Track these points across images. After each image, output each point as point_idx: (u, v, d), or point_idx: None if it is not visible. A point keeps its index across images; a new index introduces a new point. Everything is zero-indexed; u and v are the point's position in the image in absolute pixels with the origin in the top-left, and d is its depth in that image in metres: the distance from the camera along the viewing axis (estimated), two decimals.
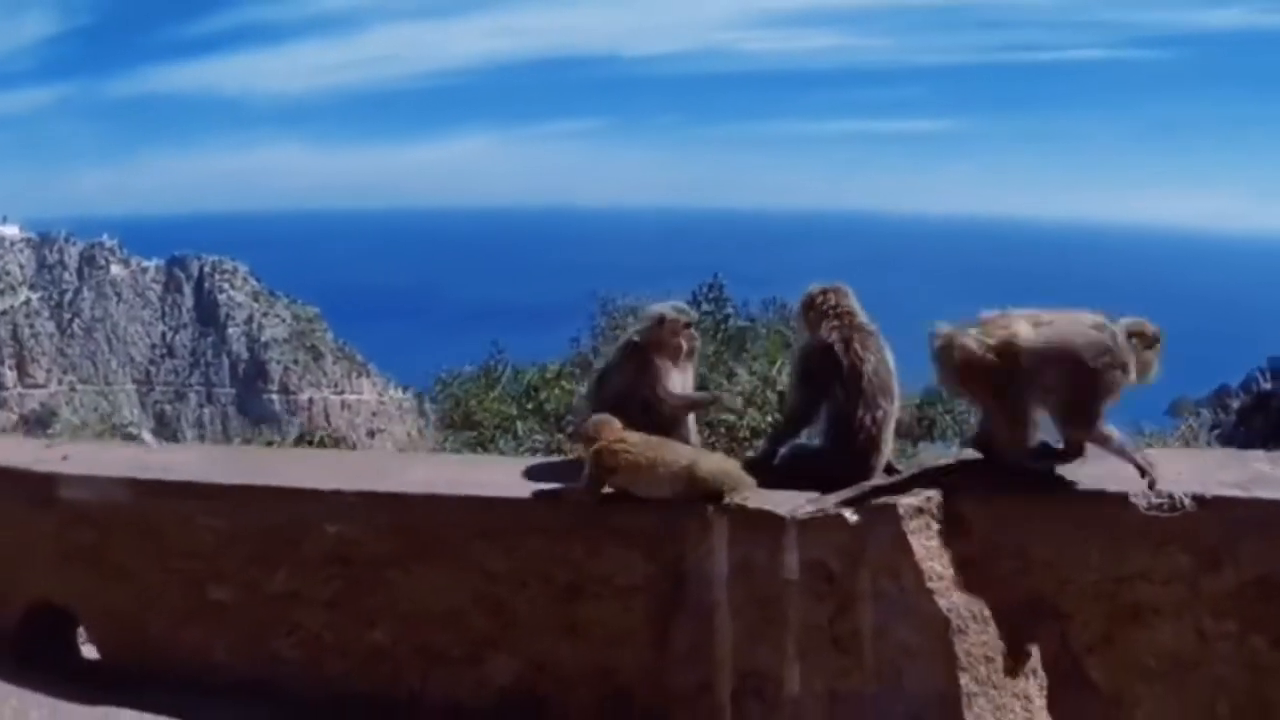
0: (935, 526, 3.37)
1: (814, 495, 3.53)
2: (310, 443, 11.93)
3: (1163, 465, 3.50)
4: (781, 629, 3.51)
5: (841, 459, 3.73)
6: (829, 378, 3.80)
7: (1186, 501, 3.44)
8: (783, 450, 4.01)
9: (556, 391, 7.55)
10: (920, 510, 3.36)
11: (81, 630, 4.98)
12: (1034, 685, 3.38)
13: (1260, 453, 3.92)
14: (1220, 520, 3.44)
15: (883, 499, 3.43)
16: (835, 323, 3.85)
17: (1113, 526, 3.45)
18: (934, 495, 3.41)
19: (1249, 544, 3.43)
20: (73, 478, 4.61)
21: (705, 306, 7.80)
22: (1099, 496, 3.46)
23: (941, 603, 3.30)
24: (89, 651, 5.11)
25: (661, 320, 4.11)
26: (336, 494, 4.07)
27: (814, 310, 3.95)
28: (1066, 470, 3.55)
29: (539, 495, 3.92)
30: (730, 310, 7.86)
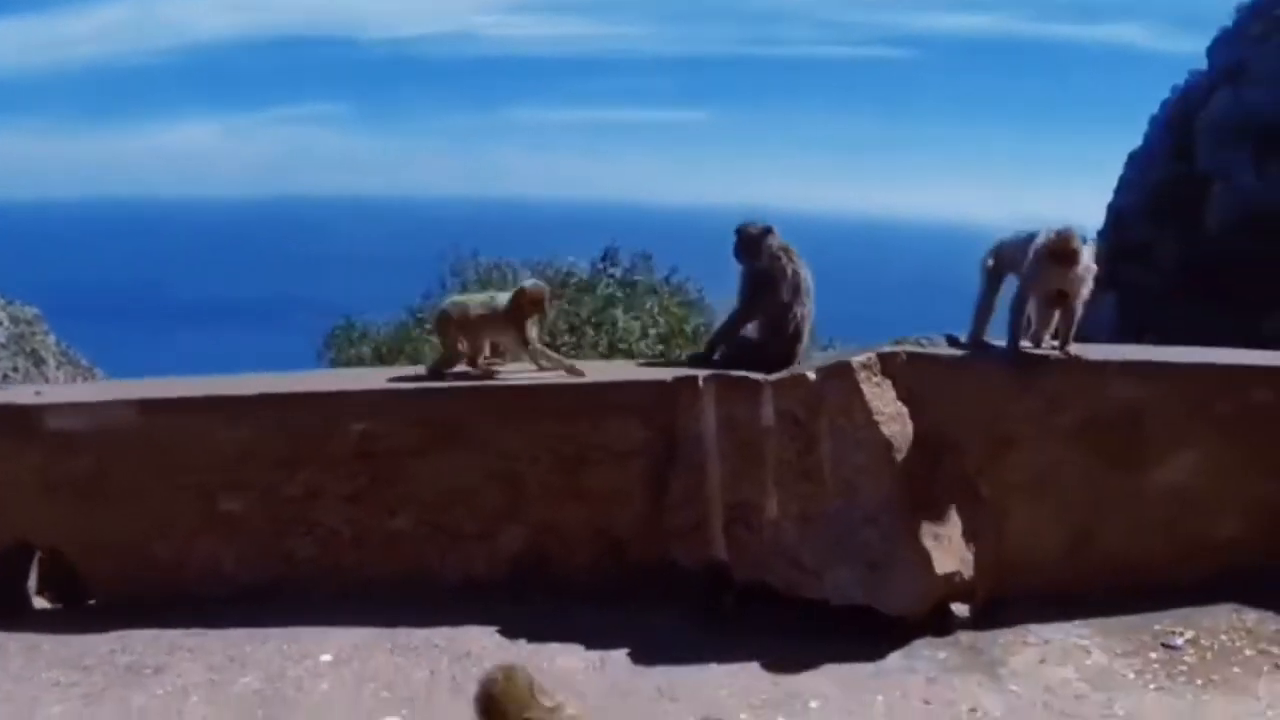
0: (876, 377, 4.60)
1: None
2: None
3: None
4: (761, 467, 4.62)
5: (776, 345, 4.96)
6: (774, 287, 5.01)
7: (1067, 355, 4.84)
8: (721, 348, 5.19)
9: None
10: (866, 365, 4.57)
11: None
12: (950, 492, 4.65)
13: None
14: (1059, 374, 4.86)
15: (835, 359, 4.63)
16: (781, 248, 5.07)
17: (984, 378, 4.81)
18: (872, 356, 4.64)
19: (1075, 392, 4.87)
20: (64, 406, 4.94)
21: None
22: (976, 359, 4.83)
23: (885, 430, 4.51)
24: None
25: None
26: (366, 393, 4.82)
27: (764, 242, 5.13)
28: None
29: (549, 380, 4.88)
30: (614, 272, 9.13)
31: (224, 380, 5.22)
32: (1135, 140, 41.48)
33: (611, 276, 8.86)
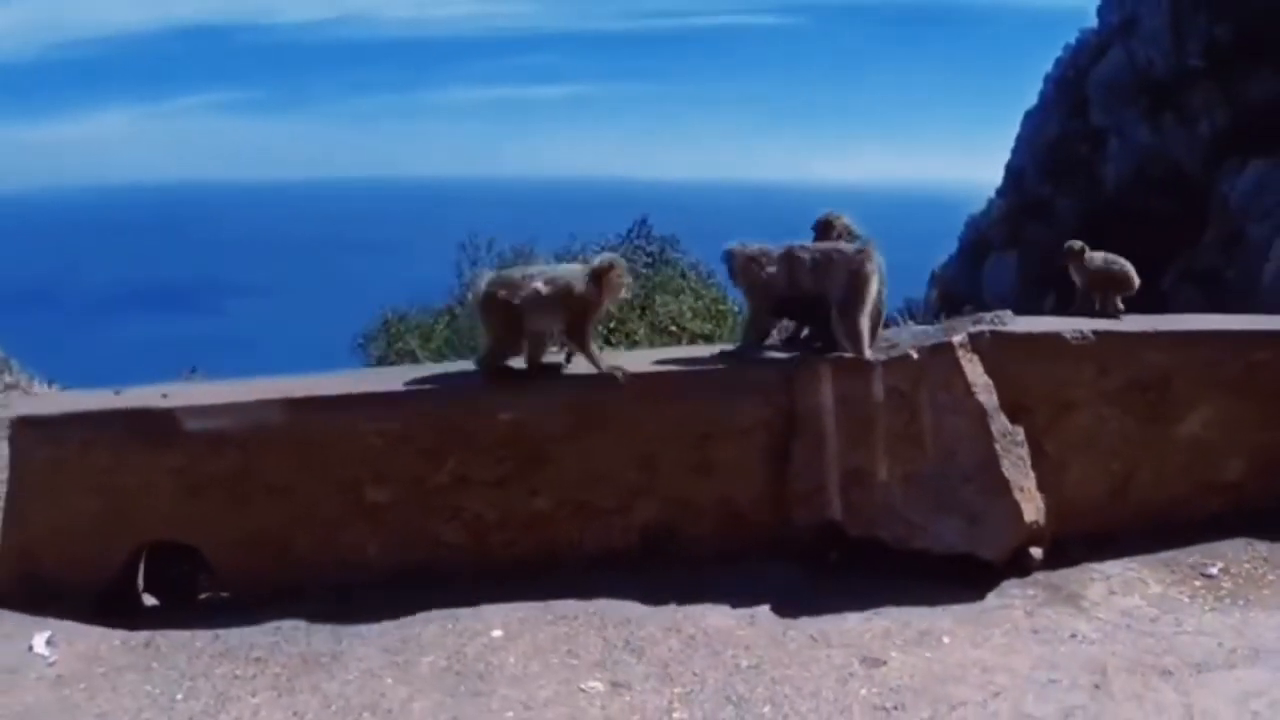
0: (969, 354, 5.51)
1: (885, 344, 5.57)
2: None
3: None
4: (872, 436, 5.46)
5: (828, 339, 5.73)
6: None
7: (1089, 334, 5.87)
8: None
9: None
10: (962, 345, 5.47)
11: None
12: (1025, 452, 5.61)
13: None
14: (1104, 344, 5.90)
15: (934, 340, 5.51)
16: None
17: (1053, 351, 5.80)
18: (964, 336, 5.55)
19: (1120, 359, 5.92)
20: (207, 408, 5.30)
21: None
22: (1047, 335, 5.81)
23: (980, 398, 5.42)
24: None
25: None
26: (514, 386, 5.40)
27: (827, 231, 5.93)
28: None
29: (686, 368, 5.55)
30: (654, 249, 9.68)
31: (368, 375, 5.69)
32: (1031, 99, 43.90)
33: (650, 255, 9.31)
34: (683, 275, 9.63)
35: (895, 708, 4.30)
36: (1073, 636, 5.05)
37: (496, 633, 5.03)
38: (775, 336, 6.21)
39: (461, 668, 4.75)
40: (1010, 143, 44.01)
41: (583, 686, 4.51)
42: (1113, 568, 5.71)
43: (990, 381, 5.52)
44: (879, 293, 5.58)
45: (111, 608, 5.32)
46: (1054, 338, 5.82)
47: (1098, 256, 6.37)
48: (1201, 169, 33.27)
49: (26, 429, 5.35)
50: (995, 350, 5.63)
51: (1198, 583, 5.60)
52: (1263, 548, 5.88)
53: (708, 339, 8.44)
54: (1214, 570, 5.69)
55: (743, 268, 5.69)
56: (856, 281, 5.48)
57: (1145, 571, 5.69)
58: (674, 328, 8.72)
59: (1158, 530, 5.94)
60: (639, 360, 5.78)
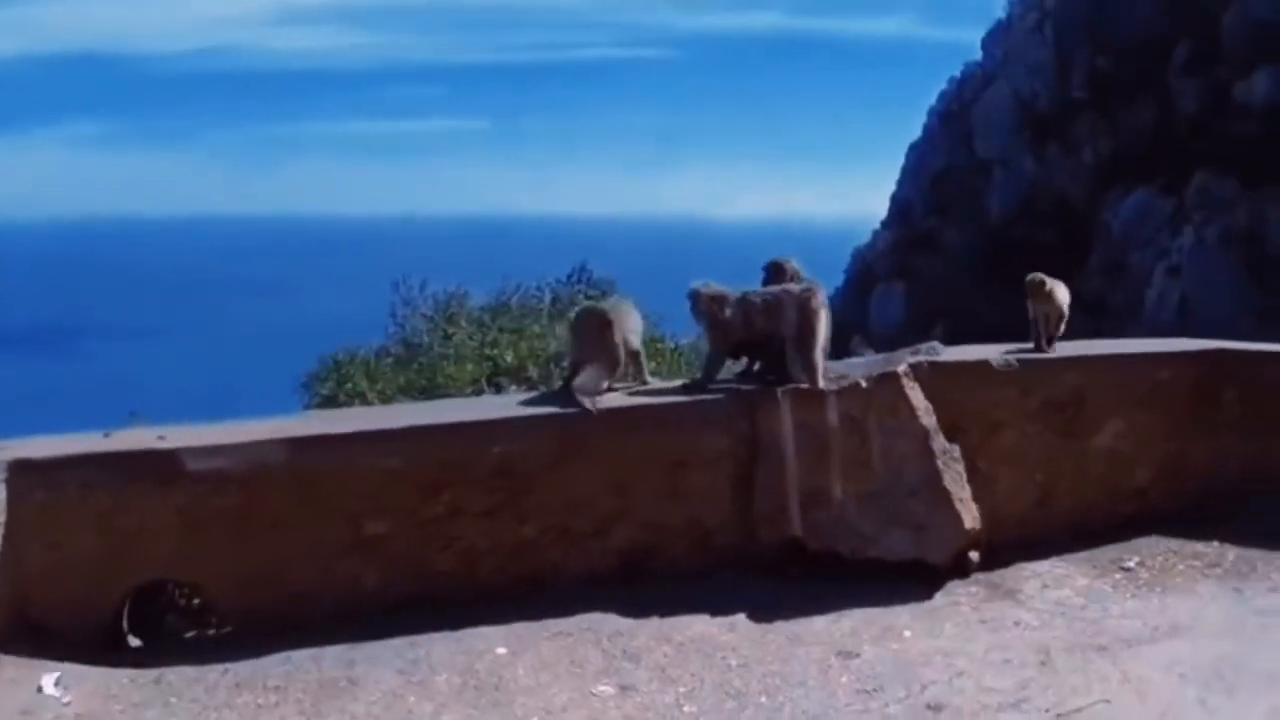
0: (911, 381, 6.28)
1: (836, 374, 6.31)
2: None
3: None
4: (828, 459, 6.18)
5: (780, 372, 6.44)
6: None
7: (1014, 361, 6.71)
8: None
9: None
10: (906, 374, 6.25)
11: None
12: (961, 467, 6.39)
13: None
14: (1027, 369, 6.75)
15: (880, 370, 6.28)
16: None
17: (983, 377, 6.63)
18: (907, 366, 6.33)
19: (1041, 382, 6.78)
20: (210, 448, 5.66)
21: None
22: (977, 363, 6.64)
23: (923, 421, 6.18)
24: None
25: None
26: (503, 420, 5.98)
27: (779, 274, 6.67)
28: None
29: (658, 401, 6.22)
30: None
31: (364, 413, 6.19)
32: (915, 132, 45.73)
33: (591, 299, 9.83)
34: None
35: (875, 689, 5.00)
36: (1016, 624, 5.81)
37: (501, 650, 5.52)
38: (729, 370, 6.91)
39: (477, 682, 5.20)
40: (895, 175, 45.87)
41: (594, 691, 5.08)
42: (1042, 566, 6.51)
43: (930, 405, 6.29)
44: (828, 328, 6.33)
45: (110, 648, 5.64)
46: (983, 365, 6.65)
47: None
48: (1085, 199, 35.24)
49: (23, 472, 5.56)
50: (933, 378, 6.42)
51: (1118, 575, 6.43)
52: (1172, 543, 6.76)
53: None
54: (1131, 563, 6.53)
55: (706, 307, 6.39)
56: (808, 318, 6.22)
57: (1071, 568, 6.50)
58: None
59: (1079, 532, 6.77)
60: (611, 396, 6.41)
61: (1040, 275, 7.08)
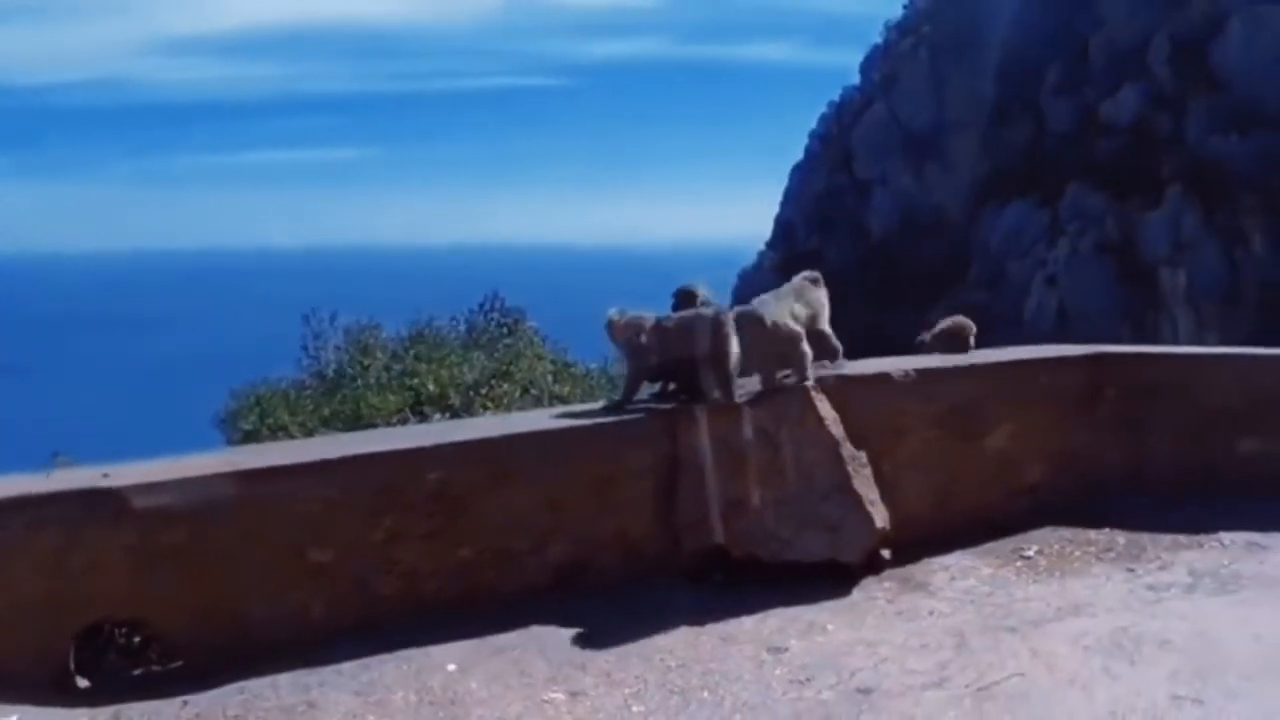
0: (819, 394, 6.82)
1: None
2: None
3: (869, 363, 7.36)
4: (745, 469, 6.68)
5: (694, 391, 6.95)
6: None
7: (912, 371, 7.33)
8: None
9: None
10: (813, 387, 6.79)
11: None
12: (869, 471, 6.96)
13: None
14: (925, 378, 7.36)
15: (792, 383, 6.82)
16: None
17: (884, 387, 7.22)
18: (814, 380, 6.87)
19: (939, 389, 7.40)
20: (156, 485, 5.80)
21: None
22: (878, 375, 7.23)
23: (831, 430, 6.73)
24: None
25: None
26: (438, 446, 6.33)
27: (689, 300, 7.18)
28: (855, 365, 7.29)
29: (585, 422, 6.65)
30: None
31: (305, 444, 6.48)
32: (797, 154, 47.07)
33: (504, 327, 10.23)
34: (531, 342, 10.65)
35: (807, 679, 5.48)
36: (930, 613, 6.37)
37: (451, 667, 5.80)
38: (645, 390, 7.38)
39: (433, 698, 5.49)
40: (779, 197, 47.22)
41: (545, 699, 5.44)
42: (949, 559, 7.11)
43: (837, 415, 6.84)
44: (737, 348, 6.83)
45: (61, 689, 5.73)
46: (884, 376, 7.24)
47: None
48: (964, 214, 36.81)
49: None
50: (838, 390, 6.99)
51: (1019, 563, 7.07)
52: (1066, 532, 7.45)
53: (564, 399, 9.54)
54: (1031, 552, 7.19)
55: (622, 334, 6.86)
56: (720, 338, 6.72)
57: (976, 559, 7.12)
58: (534, 391, 9.77)
59: (980, 526, 7.42)
60: (537, 419, 6.82)
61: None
